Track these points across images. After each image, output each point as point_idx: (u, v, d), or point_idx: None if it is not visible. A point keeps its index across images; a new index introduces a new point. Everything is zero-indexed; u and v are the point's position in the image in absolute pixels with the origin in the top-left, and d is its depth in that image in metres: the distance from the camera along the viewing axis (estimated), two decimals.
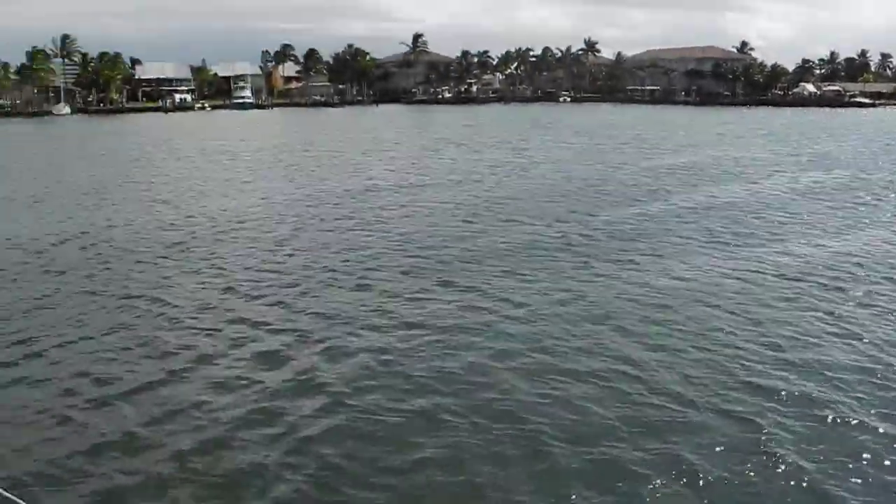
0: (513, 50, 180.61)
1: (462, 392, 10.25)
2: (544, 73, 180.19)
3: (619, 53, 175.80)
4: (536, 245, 19.38)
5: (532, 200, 26.67)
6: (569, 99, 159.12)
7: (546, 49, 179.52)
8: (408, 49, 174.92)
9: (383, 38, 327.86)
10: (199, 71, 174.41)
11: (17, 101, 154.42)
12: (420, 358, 11.43)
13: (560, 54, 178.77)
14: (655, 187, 30.11)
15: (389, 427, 9.27)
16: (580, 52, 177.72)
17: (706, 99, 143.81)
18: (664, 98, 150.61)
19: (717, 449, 8.91)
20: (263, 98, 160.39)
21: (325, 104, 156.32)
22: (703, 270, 16.90)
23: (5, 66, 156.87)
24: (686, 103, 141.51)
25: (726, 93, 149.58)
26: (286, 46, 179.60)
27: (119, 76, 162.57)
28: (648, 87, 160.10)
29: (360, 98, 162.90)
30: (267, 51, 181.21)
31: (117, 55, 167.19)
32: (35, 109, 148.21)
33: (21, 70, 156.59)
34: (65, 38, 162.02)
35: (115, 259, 18.74)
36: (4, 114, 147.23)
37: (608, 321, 13.12)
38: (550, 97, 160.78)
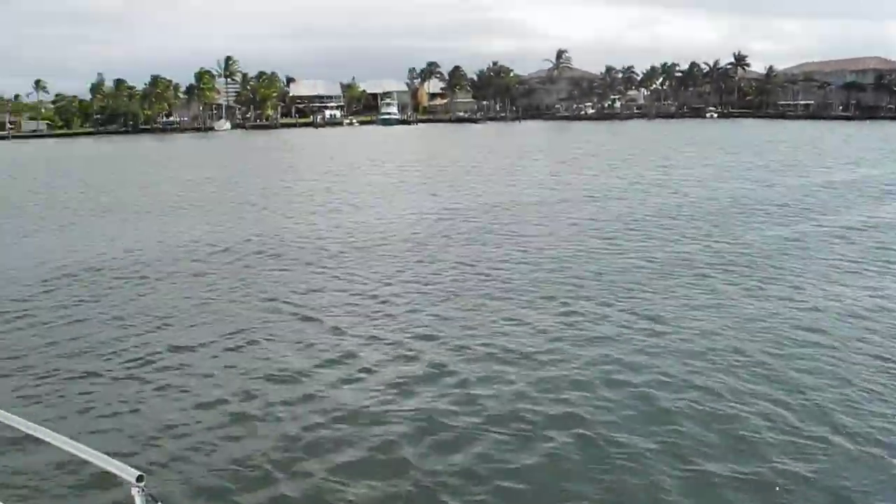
0: (658, 65, 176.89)
1: (609, 411, 10.09)
2: (690, 89, 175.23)
3: (770, 67, 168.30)
4: (677, 264, 18.85)
5: (673, 218, 26.03)
6: (715, 115, 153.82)
7: (693, 64, 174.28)
8: (551, 65, 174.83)
9: (527, 55, 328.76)
10: (348, 88, 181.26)
11: (184, 118, 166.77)
12: (564, 376, 11.42)
13: (707, 69, 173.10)
14: (809, 206, 28.69)
15: (539, 444, 9.17)
16: (728, 67, 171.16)
17: (866, 113, 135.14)
18: (819, 112, 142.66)
19: (885, 488, 8.39)
20: (409, 114, 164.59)
21: (469, 120, 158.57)
22: (864, 295, 15.93)
23: (176, 86, 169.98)
24: (844, 118, 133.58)
25: (890, 106, 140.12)
26: (431, 64, 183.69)
27: (275, 94, 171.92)
28: (801, 102, 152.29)
29: (502, 114, 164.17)
30: (413, 68, 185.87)
31: (273, 74, 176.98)
32: (199, 125, 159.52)
33: (189, 89, 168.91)
34: (228, 59, 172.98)
35: (268, 266, 19.74)
36: (173, 129, 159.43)
37: (760, 344, 12.50)
38: (696, 113, 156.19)
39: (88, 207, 33.71)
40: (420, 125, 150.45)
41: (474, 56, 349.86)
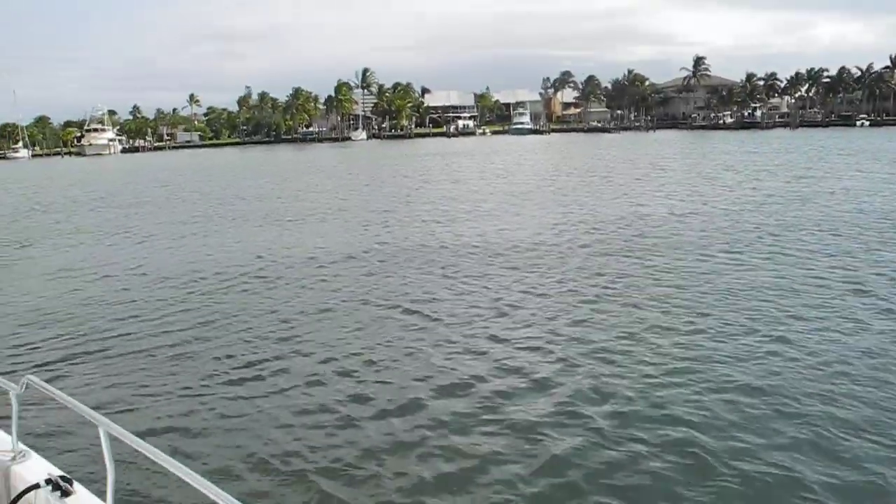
0: (803, 71, 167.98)
1: (721, 432, 9.66)
2: (839, 95, 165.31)
3: None
4: (813, 284, 17.62)
5: (813, 233, 24.48)
6: (867, 122, 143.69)
7: (842, 69, 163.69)
8: (688, 73, 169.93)
9: (664, 63, 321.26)
10: (481, 98, 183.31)
11: (323, 129, 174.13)
12: (679, 392, 10.96)
13: (859, 73, 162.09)
14: None
15: (648, 463, 8.73)
16: (884, 70, 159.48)
17: None
18: None
19: None
20: (541, 123, 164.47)
21: (602, 129, 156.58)
22: None
23: (315, 97, 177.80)
24: None
25: None
26: (566, 73, 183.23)
27: (409, 104, 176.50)
28: None
29: (637, 124, 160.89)
30: (547, 78, 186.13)
31: (409, 85, 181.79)
32: (337, 135, 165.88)
33: (328, 101, 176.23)
34: (365, 71, 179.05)
35: (389, 274, 19.97)
36: (312, 139, 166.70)
37: None
38: (845, 121, 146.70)
39: (231, 214, 35.50)
40: (552, 135, 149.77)
41: (609, 64, 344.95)
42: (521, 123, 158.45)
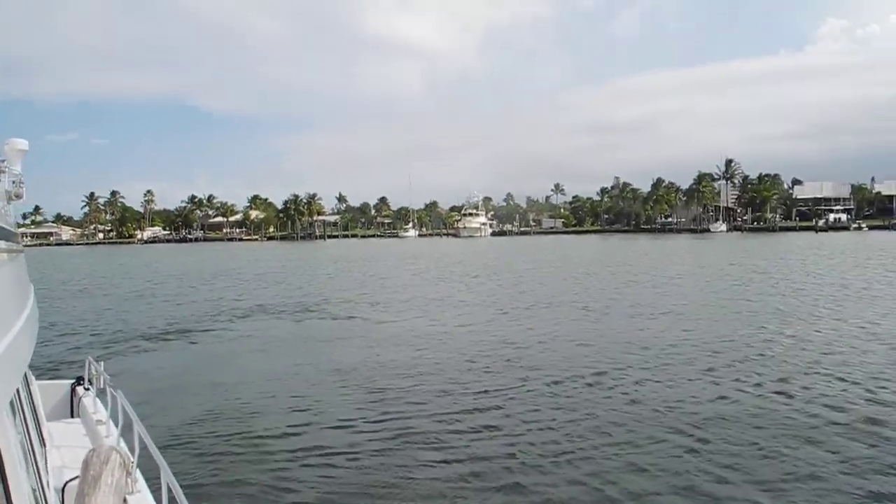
0: None
1: None
2: None
3: None
4: None
5: None
6: None
7: None
8: None
9: None
10: (859, 189, 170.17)
11: (682, 219, 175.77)
12: None
13: None
14: None
15: None
16: None
17: None
18: None
19: None
20: None
21: None
22: None
23: (677, 188, 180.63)
24: None
25: None
26: None
27: (776, 196, 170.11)
28: None
29: None
30: None
31: (776, 176, 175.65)
32: (696, 226, 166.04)
33: (688, 191, 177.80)
34: (729, 162, 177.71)
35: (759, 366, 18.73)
36: (670, 229, 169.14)
37: None
38: None
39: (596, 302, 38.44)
40: None
41: None
42: None
